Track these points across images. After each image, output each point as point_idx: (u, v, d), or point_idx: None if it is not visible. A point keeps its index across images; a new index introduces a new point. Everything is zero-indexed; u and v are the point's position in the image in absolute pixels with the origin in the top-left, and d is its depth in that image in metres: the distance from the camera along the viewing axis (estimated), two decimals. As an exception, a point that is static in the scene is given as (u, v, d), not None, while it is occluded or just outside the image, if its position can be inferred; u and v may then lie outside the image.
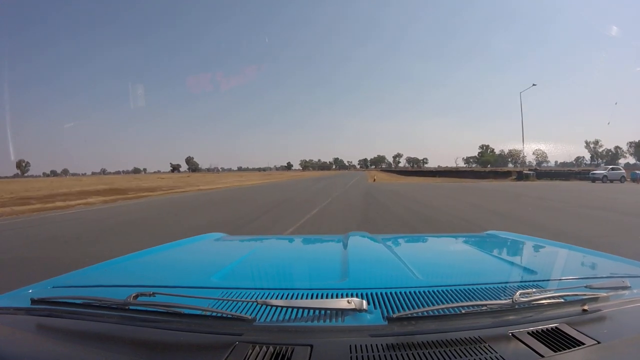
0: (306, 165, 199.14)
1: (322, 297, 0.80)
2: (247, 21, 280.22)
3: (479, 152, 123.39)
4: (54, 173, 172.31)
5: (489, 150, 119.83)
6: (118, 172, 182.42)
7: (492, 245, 1.63)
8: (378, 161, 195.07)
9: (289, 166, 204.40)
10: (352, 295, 0.74)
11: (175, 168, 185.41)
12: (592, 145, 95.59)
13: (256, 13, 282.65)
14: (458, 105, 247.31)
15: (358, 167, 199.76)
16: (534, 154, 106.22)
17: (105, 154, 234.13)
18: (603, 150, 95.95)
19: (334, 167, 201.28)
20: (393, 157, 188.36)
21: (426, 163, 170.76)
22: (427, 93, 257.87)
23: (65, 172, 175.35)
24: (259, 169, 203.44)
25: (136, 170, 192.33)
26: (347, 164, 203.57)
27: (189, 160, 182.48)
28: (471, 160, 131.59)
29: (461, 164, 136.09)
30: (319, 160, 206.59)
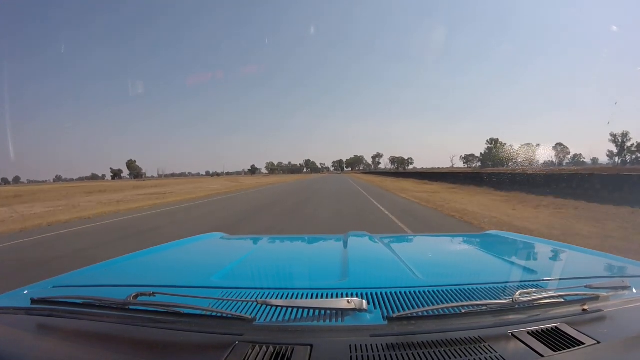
0: (273, 169, 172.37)
1: (322, 297, 0.80)
2: (220, 23, 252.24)
3: (486, 148, 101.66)
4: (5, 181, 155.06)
5: (497, 144, 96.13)
6: (81, 179, 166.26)
7: (492, 245, 1.62)
8: (355, 162, 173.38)
9: (253, 170, 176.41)
10: (352, 295, 0.74)
11: (116, 174, 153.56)
12: (619, 138, 78.37)
13: (229, 14, 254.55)
14: (445, 104, 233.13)
15: (332, 169, 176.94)
16: (554, 149, 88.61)
17: (62, 159, 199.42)
18: (632, 145, 79.06)
19: (305, 169, 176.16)
20: (372, 157, 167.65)
21: (411, 163, 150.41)
22: (407, 92, 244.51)
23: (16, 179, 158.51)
24: (228, 173, 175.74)
25: (94, 177, 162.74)
26: (320, 166, 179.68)
27: (130, 165, 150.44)
28: (471, 158, 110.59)
29: (458, 165, 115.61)
30: (290, 162, 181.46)
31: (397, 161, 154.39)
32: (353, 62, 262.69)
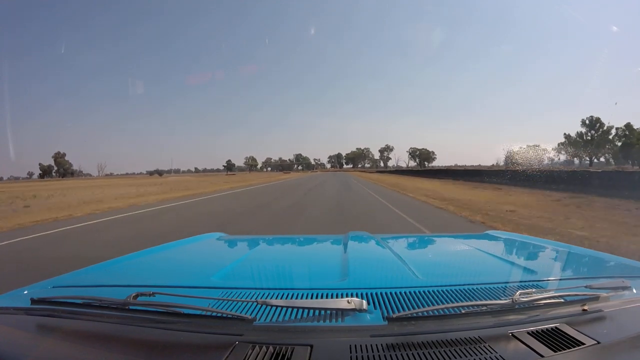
0: (252, 165, 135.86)
1: (322, 297, 0.80)
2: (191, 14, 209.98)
3: (585, 132, 56.82)
4: None
5: (600, 128, 54.87)
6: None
7: (492, 245, 1.61)
8: (357, 157, 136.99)
9: (229, 167, 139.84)
10: (352, 295, 0.74)
11: (45, 171, 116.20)
12: None
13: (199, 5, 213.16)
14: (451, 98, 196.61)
15: (329, 166, 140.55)
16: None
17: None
18: None
19: (296, 166, 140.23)
20: (380, 150, 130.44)
21: (434, 159, 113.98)
22: (412, 87, 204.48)
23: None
24: (217, 170, 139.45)
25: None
26: (314, 162, 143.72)
27: (57, 160, 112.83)
28: (536, 151, 73.75)
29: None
30: (280, 158, 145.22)
31: (420, 155, 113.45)
32: (359, 54, 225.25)
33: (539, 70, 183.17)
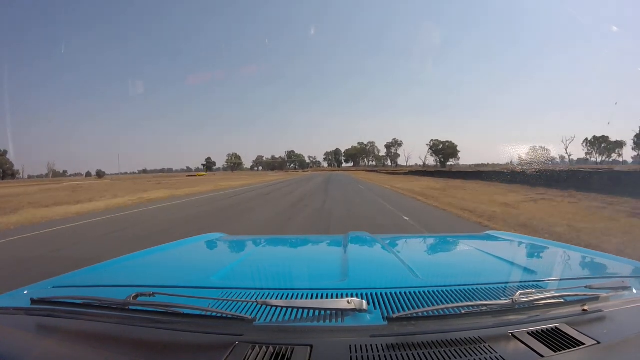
0: (235, 163, 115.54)
1: (322, 297, 0.80)
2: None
3: None
4: None
5: None
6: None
7: (492, 245, 1.62)
8: (360, 154, 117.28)
9: (209, 166, 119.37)
10: (352, 296, 0.74)
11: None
12: None
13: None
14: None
15: (325, 164, 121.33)
16: None
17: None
18: None
19: (289, 165, 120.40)
20: (386, 146, 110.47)
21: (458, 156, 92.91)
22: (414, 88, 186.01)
23: None
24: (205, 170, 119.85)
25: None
26: (309, 160, 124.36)
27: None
28: (605, 145, 52.21)
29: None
30: (272, 156, 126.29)
31: (443, 151, 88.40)
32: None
33: (539, 70, 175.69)
